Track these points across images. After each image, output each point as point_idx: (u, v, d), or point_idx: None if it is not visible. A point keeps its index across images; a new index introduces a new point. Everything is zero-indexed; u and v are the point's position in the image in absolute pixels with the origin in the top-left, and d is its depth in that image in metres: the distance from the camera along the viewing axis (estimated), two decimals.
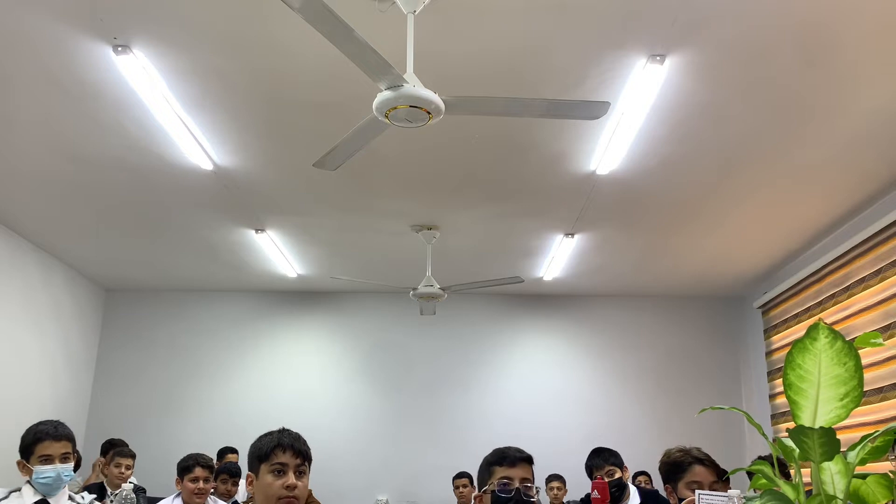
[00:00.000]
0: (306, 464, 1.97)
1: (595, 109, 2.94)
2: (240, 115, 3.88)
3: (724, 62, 3.33)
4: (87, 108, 3.80)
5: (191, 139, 4.09)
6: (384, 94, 2.67)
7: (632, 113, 3.73)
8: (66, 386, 6.68)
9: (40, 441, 2.67)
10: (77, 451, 2.77)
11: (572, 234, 5.66)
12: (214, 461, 5.46)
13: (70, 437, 2.74)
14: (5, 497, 2.68)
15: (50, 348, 6.39)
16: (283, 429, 2.01)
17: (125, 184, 4.78)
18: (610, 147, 4.13)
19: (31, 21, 3.09)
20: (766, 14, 3.00)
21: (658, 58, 3.27)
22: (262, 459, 1.94)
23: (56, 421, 2.78)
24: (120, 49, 3.24)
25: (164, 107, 3.72)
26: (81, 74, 3.47)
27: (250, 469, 1.97)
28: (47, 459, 2.65)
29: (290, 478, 1.91)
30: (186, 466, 3.83)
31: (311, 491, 5.55)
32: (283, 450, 1.93)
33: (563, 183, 4.69)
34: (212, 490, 4.14)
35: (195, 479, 3.79)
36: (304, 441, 2.01)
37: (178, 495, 3.89)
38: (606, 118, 3.72)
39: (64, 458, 2.68)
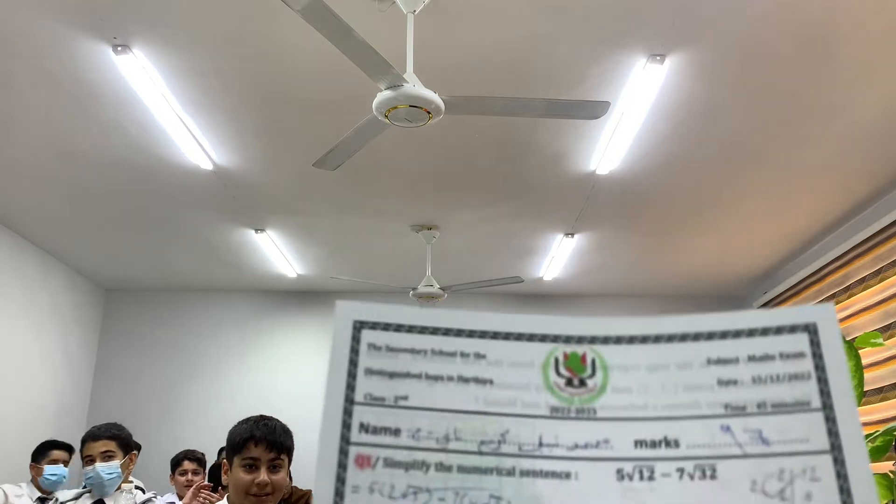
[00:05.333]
0: (283, 456, 1.81)
1: (595, 109, 2.94)
2: (240, 115, 3.88)
3: (724, 62, 3.33)
4: (87, 108, 3.80)
5: (191, 139, 4.09)
6: (384, 94, 2.68)
7: (632, 113, 3.73)
8: (66, 386, 6.68)
9: (84, 443, 2.75)
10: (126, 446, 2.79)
11: (572, 234, 5.66)
12: None
13: (112, 436, 2.77)
14: (76, 498, 2.75)
15: (50, 348, 6.38)
16: (261, 418, 1.83)
17: (125, 184, 4.77)
18: (610, 147, 4.13)
19: (32, 21, 3.08)
20: (766, 14, 3.00)
21: (658, 58, 3.27)
22: (234, 451, 1.79)
23: (107, 423, 2.84)
24: (120, 49, 3.24)
25: (164, 107, 3.72)
26: (81, 74, 3.47)
27: (226, 457, 1.83)
28: (90, 460, 2.70)
29: (262, 475, 1.76)
30: (177, 461, 4.02)
31: (310, 491, 5.54)
32: (255, 443, 1.77)
33: (563, 183, 4.69)
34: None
35: (184, 472, 3.95)
36: (283, 431, 1.83)
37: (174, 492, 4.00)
38: (606, 118, 3.72)
39: (106, 457, 2.71)
